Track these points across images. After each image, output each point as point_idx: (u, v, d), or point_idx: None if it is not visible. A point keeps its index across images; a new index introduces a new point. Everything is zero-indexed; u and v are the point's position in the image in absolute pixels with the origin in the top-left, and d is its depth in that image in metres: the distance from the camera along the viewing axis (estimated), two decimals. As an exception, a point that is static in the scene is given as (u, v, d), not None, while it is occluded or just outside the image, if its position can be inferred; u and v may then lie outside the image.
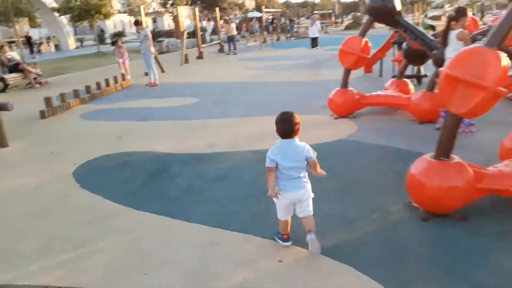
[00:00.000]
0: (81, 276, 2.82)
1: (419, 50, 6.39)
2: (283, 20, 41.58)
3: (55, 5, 27.66)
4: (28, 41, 28.77)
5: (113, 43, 12.38)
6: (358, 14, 55.17)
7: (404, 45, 7.10)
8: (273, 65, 14.98)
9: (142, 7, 14.89)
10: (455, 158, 3.28)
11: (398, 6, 5.96)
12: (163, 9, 49.01)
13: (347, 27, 42.44)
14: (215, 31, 31.05)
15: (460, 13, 5.11)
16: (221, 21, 24.65)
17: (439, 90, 3.19)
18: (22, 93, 11.22)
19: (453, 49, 5.07)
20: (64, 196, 4.18)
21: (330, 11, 59.52)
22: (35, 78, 12.00)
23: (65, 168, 4.94)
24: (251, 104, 8.21)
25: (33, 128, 7.09)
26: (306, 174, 2.90)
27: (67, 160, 5.25)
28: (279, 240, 3.06)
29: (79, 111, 8.26)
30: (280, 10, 44.06)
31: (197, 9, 19.26)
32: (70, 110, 8.39)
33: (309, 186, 2.91)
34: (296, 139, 2.83)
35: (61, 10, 26.59)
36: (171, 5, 37.32)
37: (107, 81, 10.42)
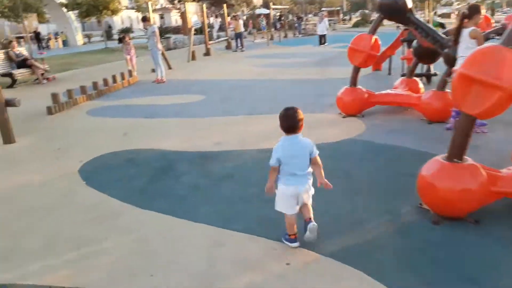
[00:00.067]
0: (85, 276, 2.78)
1: (430, 48, 6.27)
2: (290, 17, 41.40)
3: (63, 0, 27.74)
4: (37, 37, 28.88)
5: (120, 40, 12.34)
6: (366, 11, 54.78)
7: (414, 43, 6.97)
8: (280, 62, 14.90)
9: (149, 3, 14.86)
10: (468, 160, 3.20)
11: (409, 3, 5.84)
12: (171, 6, 49.05)
13: (355, 25, 42.17)
14: (222, 28, 30.95)
15: (473, 11, 4.99)
16: (229, 18, 24.58)
17: (452, 89, 3.10)
18: (29, 88, 11.24)
19: (466, 48, 4.97)
20: (69, 193, 4.15)
21: (338, 8, 59.11)
22: (42, 74, 12.03)
23: (71, 165, 4.92)
24: (258, 102, 8.14)
25: (40, 124, 7.08)
26: (310, 170, 2.88)
27: (73, 157, 5.23)
28: (286, 242, 3.00)
29: (85, 107, 8.25)
30: (287, 7, 43.84)
31: (204, 5, 19.19)
32: (77, 106, 8.38)
33: (310, 182, 2.93)
34: (300, 135, 2.84)
35: (69, 6, 26.70)
36: (179, 1, 37.30)
37: (114, 77, 10.41)
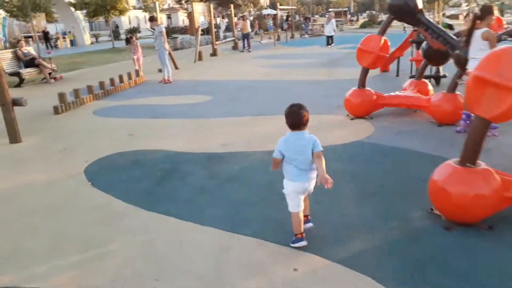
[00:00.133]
0: (90, 279, 2.74)
1: (440, 49, 6.18)
2: (297, 17, 41.31)
3: (71, 0, 27.89)
4: (46, 36, 29.03)
5: (127, 41, 12.34)
6: (374, 12, 54.54)
7: (424, 44, 6.88)
8: (287, 63, 14.83)
9: (157, 3, 14.83)
10: (482, 164, 3.12)
11: (420, 4, 5.75)
12: (178, 6, 49.17)
13: (362, 25, 42.00)
14: (228, 28, 30.94)
15: (486, 12, 4.89)
16: (235, 18, 24.55)
17: (466, 92, 3.02)
18: (37, 88, 11.27)
19: (478, 49, 4.88)
20: (74, 194, 4.12)
21: (345, 9, 58.93)
22: (50, 73, 12.05)
23: (76, 165, 4.89)
24: (265, 103, 8.08)
25: (47, 123, 7.07)
26: (314, 166, 2.84)
27: (79, 157, 5.20)
28: (295, 244, 2.94)
29: (92, 107, 8.24)
30: (295, 7, 43.76)
31: (211, 5, 19.16)
32: (84, 106, 8.37)
33: (315, 177, 2.89)
34: (305, 131, 2.84)
35: (77, 5, 26.81)
36: (186, 1, 37.38)
37: (121, 77, 10.40)
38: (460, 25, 29.72)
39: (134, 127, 6.60)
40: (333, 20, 21.99)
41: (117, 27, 39.91)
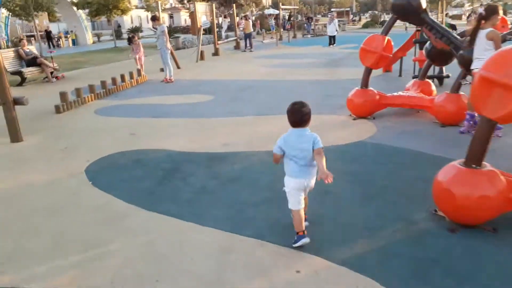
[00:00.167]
0: (90, 279, 2.71)
1: (444, 49, 6.14)
2: (299, 17, 41.27)
3: (74, -1, 27.90)
4: (48, 36, 29.03)
5: (129, 40, 12.31)
6: (376, 12, 54.46)
7: (427, 44, 6.83)
8: (289, 62, 14.80)
9: (159, 3, 14.82)
10: (487, 165, 3.08)
11: (424, 3, 5.71)
12: (180, 5, 49.17)
13: (365, 25, 41.94)
14: (230, 28, 30.92)
15: (491, 11, 4.84)
16: (237, 18, 24.52)
17: (472, 93, 2.98)
18: (39, 87, 11.25)
19: (483, 49, 4.84)
20: (75, 194, 4.09)
21: (347, 9, 58.83)
22: (52, 72, 12.04)
23: (77, 165, 4.86)
24: (267, 103, 8.05)
25: (48, 123, 7.05)
26: (314, 162, 2.86)
27: (80, 156, 5.18)
28: (297, 244, 2.90)
29: (94, 106, 8.22)
30: (297, 7, 43.72)
31: (214, 5, 19.14)
32: (85, 105, 8.35)
33: (315, 174, 2.91)
34: (307, 129, 2.87)
35: (80, 4, 26.81)
36: (188, 1, 37.37)
37: (122, 76, 10.38)
38: (463, 25, 29.68)
39: (135, 126, 6.57)
40: (336, 20, 21.94)
41: (119, 26, 39.93)
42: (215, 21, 19.28)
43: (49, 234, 3.33)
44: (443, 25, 7.39)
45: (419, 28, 8.56)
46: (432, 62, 7.10)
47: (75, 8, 28.41)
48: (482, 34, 4.90)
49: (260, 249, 2.98)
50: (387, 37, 6.17)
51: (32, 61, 11.78)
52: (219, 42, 18.92)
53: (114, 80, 9.87)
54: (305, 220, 3.11)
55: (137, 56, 11.98)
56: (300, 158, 2.83)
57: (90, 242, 3.17)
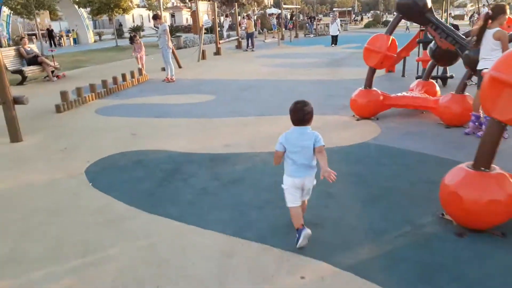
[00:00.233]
0: (89, 285, 2.64)
1: (449, 49, 6.06)
2: (301, 17, 41.17)
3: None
4: (50, 34, 28.95)
5: (131, 39, 12.25)
6: (378, 12, 54.35)
7: (432, 44, 6.75)
8: (291, 62, 14.71)
9: (161, 1, 14.74)
10: (496, 168, 3.00)
11: (429, 3, 5.63)
12: (182, 4, 49.10)
13: (367, 25, 41.83)
14: (232, 27, 30.84)
15: (498, 11, 4.77)
16: (239, 17, 24.44)
17: (481, 93, 2.90)
18: (39, 86, 11.19)
19: (490, 49, 4.76)
20: (75, 195, 4.02)
21: (349, 9, 58.72)
22: (52, 71, 11.98)
23: (77, 165, 4.80)
24: (269, 103, 7.98)
25: (48, 122, 6.98)
26: (315, 162, 2.92)
27: (80, 157, 5.11)
28: (300, 240, 2.85)
29: (94, 105, 8.15)
30: (299, 6, 43.62)
31: (215, 4, 19.06)
32: (86, 104, 8.28)
33: (314, 174, 2.97)
34: (308, 128, 2.90)
35: (81, 3, 26.74)
36: (190, 0, 37.30)
37: (123, 75, 10.31)
38: (465, 25, 29.53)
39: (136, 126, 6.50)
40: (338, 20, 21.85)
41: (120, 25, 39.87)
42: (217, 20, 19.20)
43: (48, 236, 3.26)
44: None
45: (423, 28, 8.49)
46: (436, 63, 7.02)
47: (76, 7, 28.35)
48: (489, 34, 4.82)
49: (263, 254, 2.91)
50: (391, 37, 6.09)
51: (33, 60, 11.71)
52: (220, 41, 18.84)
53: (115, 79, 9.80)
54: (303, 227, 3.01)
55: (138, 55, 11.92)
56: (300, 156, 2.86)
57: (89, 245, 3.10)
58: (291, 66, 13.71)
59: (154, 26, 12.74)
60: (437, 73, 8.81)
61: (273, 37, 28.64)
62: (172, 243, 3.09)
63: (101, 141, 5.76)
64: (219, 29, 21.44)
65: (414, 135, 5.52)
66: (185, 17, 55.19)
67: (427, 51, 7.60)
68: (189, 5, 38.58)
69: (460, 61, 6.39)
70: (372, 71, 6.31)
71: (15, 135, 5.83)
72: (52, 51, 13.20)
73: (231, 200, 3.77)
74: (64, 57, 18.50)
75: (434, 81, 7.35)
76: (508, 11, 4.84)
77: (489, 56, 4.80)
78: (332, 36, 20.98)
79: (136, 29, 30.24)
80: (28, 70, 11.42)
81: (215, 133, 6.01)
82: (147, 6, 37.87)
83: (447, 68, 8.68)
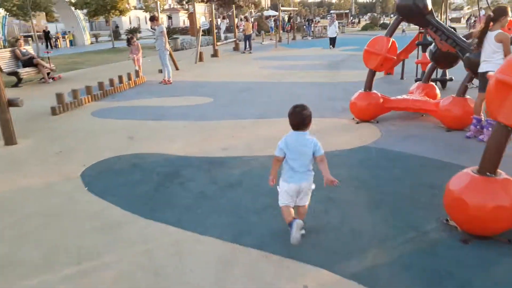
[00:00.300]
0: (83, 294, 2.55)
1: (449, 52, 6.01)
2: (298, 19, 41.19)
3: (72, -1, 27.71)
4: (46, 36, 28.78)
5: (128, 41, 12.16)
6: (376, 14, 54.49)
7: (431, 46, 6.69)
8: (289, 64, 14.66)
9: (158, 3, 14.65)
10: (502, 173, 2.93)
11: (430, 5, 5.58)
12: (179, 6, 49.07)
13: (364, 28, 41.91)
14: (229, 29, 30.79)
15: (499, 13, 4.71)
16: (236, 19, 24.39)
17: (487, 97, 2.83)
18: (35, 87, 11.07)
19: (492, 52, 4.70)
20: (70, 199, 3.93)
21: (347, 11, 58.84)
22: (48, 73, 11.87)
23: (73, 169, 4.69)
24: (267, 105, 7.90)
25: (44, 124, 6.87)
26: (311, 167, 2.92)
27: (75, 160, 5.01)
28: (292, 233, 2.80)
29: (90, 108, 8.05)
30: (296, 9, 43.66)
31: (213, 6, 19.00)
32: (82, 107, 8.18)
33: (311, 178, 2.95)
34: (307, 133, 2.88)
35: (78, 5, 26.63)
36: (187, 2, 37.24)
37: (120, 77, 10.21)
38: (462, 28, 29.59)
39: (133, 129, 6.41)
40: (336, 22, 21.86)
41: (117, 27, 39.71)
42: (214, 22, 19.14)
43: (42, 242, 3.17)
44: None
45: (422, 30, 8.45)
46: (436, 65, 6.97)
47: (73, 8, 28.22)
48: (490, 36, 4.76)
49: (262, 261, 2.82)
50: (391, 39, 6.03)
51: (29, 62, 11.59)
52: (218, 43, 18.77)
53: (111, 81, 9.70)
54: (303, 228, 2.99)
55: (135, 57, 11.83)
56: (298, 162, 2.85)
57: (84, 252, 3.01)
58: (289, 68, 13.65)
59: (151, 28, 12.63)
60: (436, 75, 8.76)
61: (271, 39, 28.61)
62: (170, 249, 3.00)
63: (98, 144, 5.67)
64: (216, 31, 21.36)
65: (415, 139, 5.45)
66: (182, 19, 55.10)
67: (427, 53, 7.56)
68: (186, 7, 38.53)
69: (459, 64, 6.35)
70: (372, 74, 6.25)
71: (9, 138, 5.72)
72: (48, 52, 13.08)
73: (229, 205, 3.69)
74: (60, 59, 18.37)
75: (434, 84, 7.29)
76: (510, 13, 4.79)
77: (491, 58, 4.74)
78: (330, 38, 20.98)
79: (133, 31, 30.11)
80: (24, 72, 11.29)
81: (212, 136, 5.92)
82: (144, 7, 37.80)
83: (446, 70, 8.63)
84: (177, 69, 13.40)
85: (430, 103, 6.14)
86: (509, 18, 4.86)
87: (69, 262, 2.89)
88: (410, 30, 27.53)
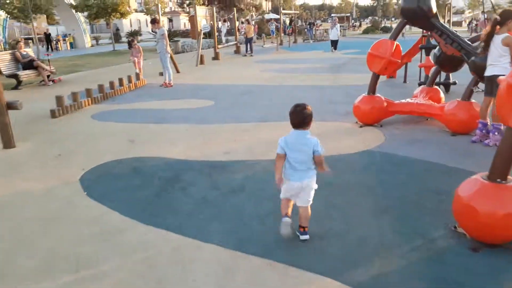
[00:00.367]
0: (81, 304, 2.47)
1: (454, 55, 5.94)
2: (300, 22, 41.22)
3: (73, 2, 27.71)
4: (47, 38, 28.77)
5: (129, 44, 12.12)
6: (377, 18, 54.55)
7: (436, 50, 6.62)
8: (290, 67, 14.60)
9: (159, 5, 14.62)
10: (513, 180, 2.85)
11: (434, 8, 5.51)
12: (180, 9, 49.11)
13: (365, 31, 41.93)
14: (230, 32, 30.77)
15: (506, 16, 4.64)
16: (238, 22, 24.37)
17: (497, 101, 2.76)
18: (35, 90, 11.01)
19: (498, 55, 4.64)
20: (69, 205, 3.85)
21: (348, 14, 58.91)
22: (48, 76, 11.81)
23: (72, 173, 4.61)
24: (269, 108, 7.83)
25: (43, 127, 6.80)
26: (313, 166, 2.93)
27: (75, 164, 4.93)
28: (282, 227, 2.97)
29: (90, 111, 7.97)
30: (297, 12, 43.71)
31: (214, 9, 18.97)
32: (82, 109, 8.11)
33: (314, 177, 2.96)
34: (308, 132, 2.92)
35: (79, 8, 26.64)
36: (188, 5, 37.28)
37: (120, 80, 10.14)
38: (464, 32, 29.57)
39: (133, 132, 6.33)
40: (338, 25, 21.85)
41: (118, 29, 39.73)
42: (215, 25, 19.11)
43: (40, 249, 3.09)
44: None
45: (426, 34, 8.39)
46: (440, 69, 6.89)
47: (74, 11, 28.23)
48: (497, 39, 4.69)
49: (266, 269, 2.74)
50: (395, 42, 5.96)
51: (29, 64, 11.54)
52: (219, 46, 18.73)
53: (112, 84, 9.63)
54: (306, 233, 3.02)
55: (136, 60, 11.78)
56: (298, 160, 2.88)
57: (83, 259, 2.92)
58: (290, 71, 13.59)
59: (152, 31, 12.59)
60: (440, 79, 8.69)
61: (272, 42, 28.59)
62: (171, 258, 2.92)
63: (97, 148, 5.59)
64: (217, 34, 21.34)
65: (420, 143, 5.37)
66: (183, 21, 55.19)
67: (431, 57, 7.49)
68: (187, 10, 38.54)
69: (463, 67, 6.28)
70: (375, 77, 6.17)
71: (8, 141, 5.65)
72: (48, 55, 13.03)
73: (231, 211, 3.61)
74: (61, 61, 18.34)
75: (438, 88, 7.21)
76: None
77: (497, 62, 4.68)
78: (332, 41, 20.96)
79: (134, 34, 30.12)
80: (24, 75, 11.23)
81: (214, 140, 5.85)
82: (145, 10, 37.84)
83: (450, 74, 8.56)
84: (178, 72, 13.34)
85: (434, 107, 6.06)
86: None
87: (67, 269, 2.81)
88: (412, 34, 27.51)
